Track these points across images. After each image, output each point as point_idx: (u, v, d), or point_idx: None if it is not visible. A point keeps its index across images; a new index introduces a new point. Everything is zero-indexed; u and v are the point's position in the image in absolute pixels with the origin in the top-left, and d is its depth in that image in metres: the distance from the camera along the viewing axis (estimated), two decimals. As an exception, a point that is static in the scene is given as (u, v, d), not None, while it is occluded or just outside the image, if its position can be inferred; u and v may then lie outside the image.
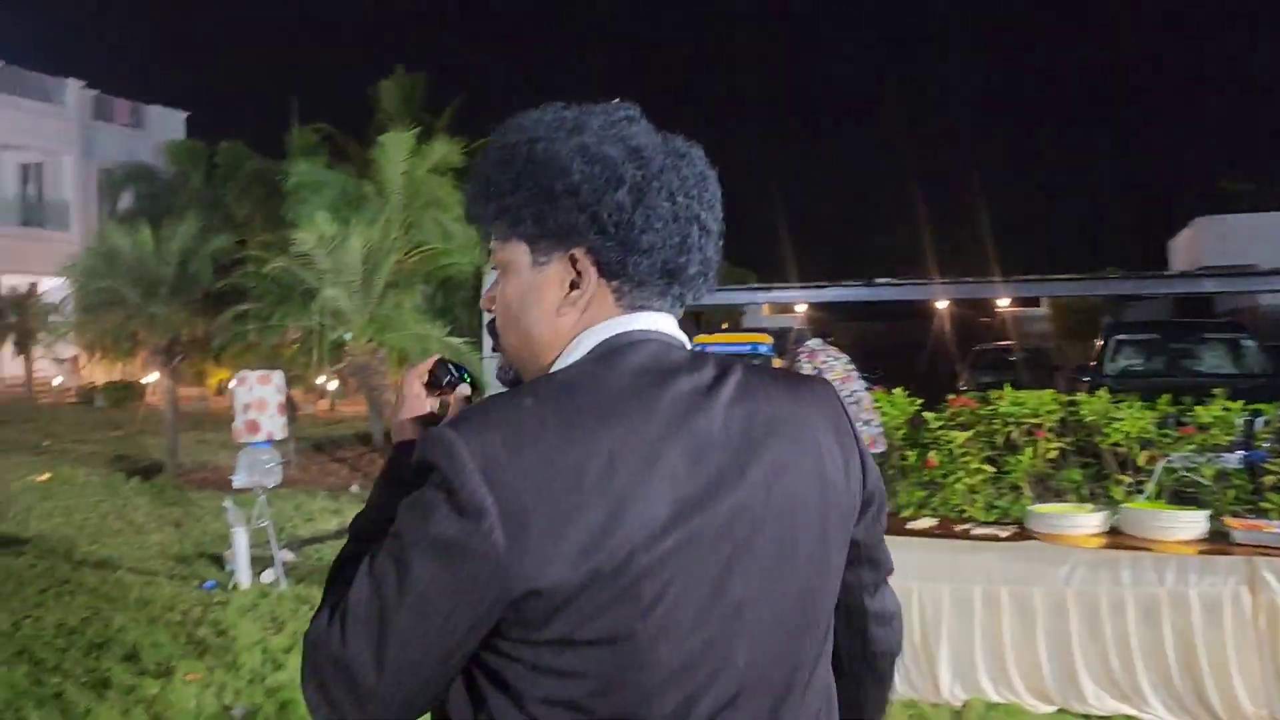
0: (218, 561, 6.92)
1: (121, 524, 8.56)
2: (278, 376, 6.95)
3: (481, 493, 0.93)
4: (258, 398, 6.69)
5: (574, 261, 1.06)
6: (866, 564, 1.19)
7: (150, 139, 28.63)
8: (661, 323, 1.09)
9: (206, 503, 9.22)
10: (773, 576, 1.03)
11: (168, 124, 31.02)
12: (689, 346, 1.10)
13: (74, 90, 29.31)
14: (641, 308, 1.08)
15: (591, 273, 1.06)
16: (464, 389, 1.24)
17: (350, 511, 7.34)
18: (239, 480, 6.71)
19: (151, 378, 19.41)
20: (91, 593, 6.26)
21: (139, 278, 11.42)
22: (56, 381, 24.79)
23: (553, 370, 1.07)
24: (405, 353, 10.73)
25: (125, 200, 24.22)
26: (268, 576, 6.45)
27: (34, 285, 22.98)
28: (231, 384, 6.86)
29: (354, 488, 10.30)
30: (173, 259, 11.73)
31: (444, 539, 0.93)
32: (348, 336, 10.64)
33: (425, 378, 1.23)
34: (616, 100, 1.13)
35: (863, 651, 1.21)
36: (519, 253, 1.09)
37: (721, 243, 1.14)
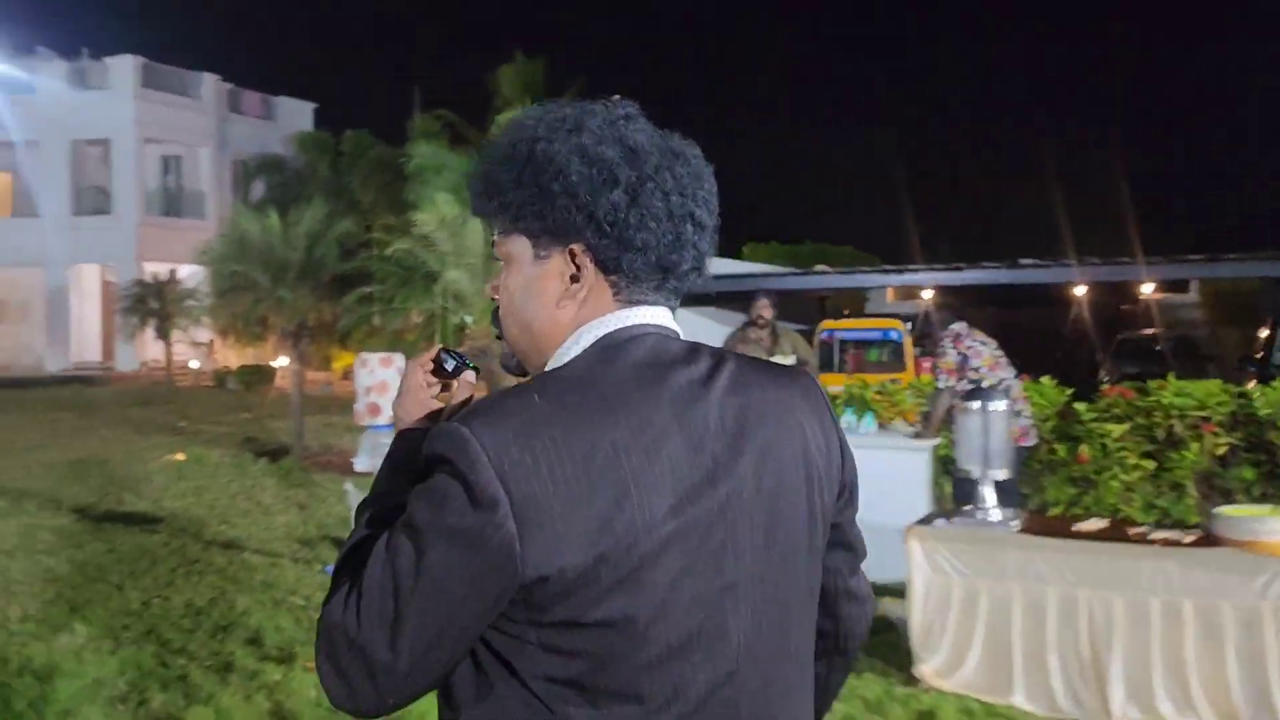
0: (339, 545, 6.90)
1: (249, 505, 8.69)
2: (400, 359, 6.88)
3: (495, 485, 0.97)
4: (379, 380, 6.64)
5: (573, 256, 1.11)
6: (843, 547, 1.24)
7: (280, 130, 29.57)
8: (658, 316, 1.14)
9: (330, 485, 9.29)
10: (763, 558, 1.09)
11: (296, 115, 31.99)
12: (682, 336, 1.15)
13: (210, 84, 30.44)
14: (638, 302, 1.13)
15: (590, 268, 1.11)
16: (469, 375, 1.26)
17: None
18: (360, 463, 6.68)
19: (281, 361, 19.96)
20: (219, 574, 6.30)
21: (268, 262, 11.63)
22: (193, 365, 25.81)
23: (554, 361, 1.12)
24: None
25: (257, 190, 25.06)
26: (389, 561, 6.37)
27: (173, 272, 23.93)
28: (354, 366, 6.82)
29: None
30: (300, 244, 11.91)
31: (459, 529, 0.98)
32: (469, 320, 10.61)
33: (429, 366, 1.26)
34: (617, 97, 1.17)
35: (835, 631, 1.27)
36: (521, 246, 1.14)
37: (716, 237, 1.18)
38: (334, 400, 17.53)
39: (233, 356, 23.53)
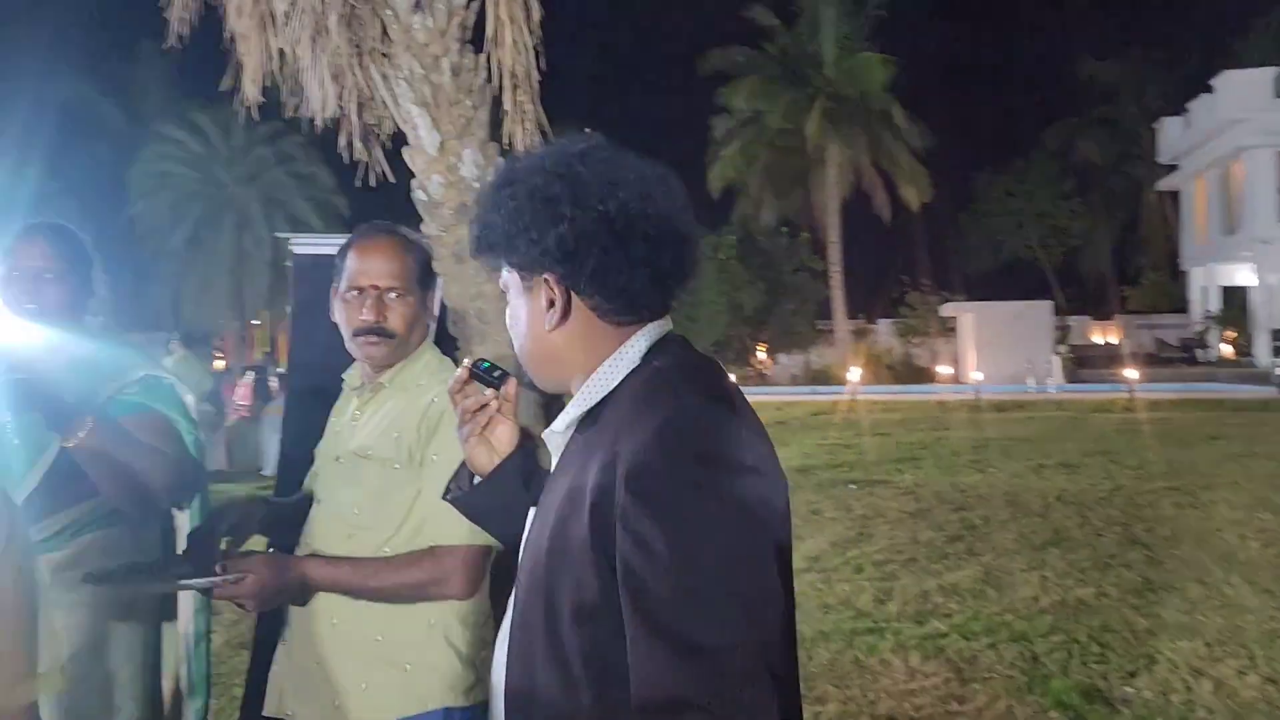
0: None
1: None
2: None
3: None
4: None
5: (547, 284, 1.30)
6: None
7: None
8: (661, 327, 1.33)
9: None
10: None
11: None
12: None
13: None
14: (625, 323, 1.31)
15: (561, 295, 1.30)
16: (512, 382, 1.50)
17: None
18: None
19: None
20: None
21: None
22: None
23: (599, 383, 1.30)
24: None
25: None
26: None
27: None
28: None
29: None
30: None
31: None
32: None
33: (461, 383, 1.50)
34: (587, 131, 1.36)
35: None
36: (512, 279, 1.36)
37: (687, 243, 1.31)
38: None
39: None
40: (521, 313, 1.34)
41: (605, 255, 1.25)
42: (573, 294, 1.29)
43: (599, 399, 1.30)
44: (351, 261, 2.06)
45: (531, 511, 1.43)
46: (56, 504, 2.24)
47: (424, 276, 2.10)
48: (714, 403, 1.21)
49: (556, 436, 1.38)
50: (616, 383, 1.29)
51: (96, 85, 35.30)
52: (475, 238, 1.36)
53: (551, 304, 1.29)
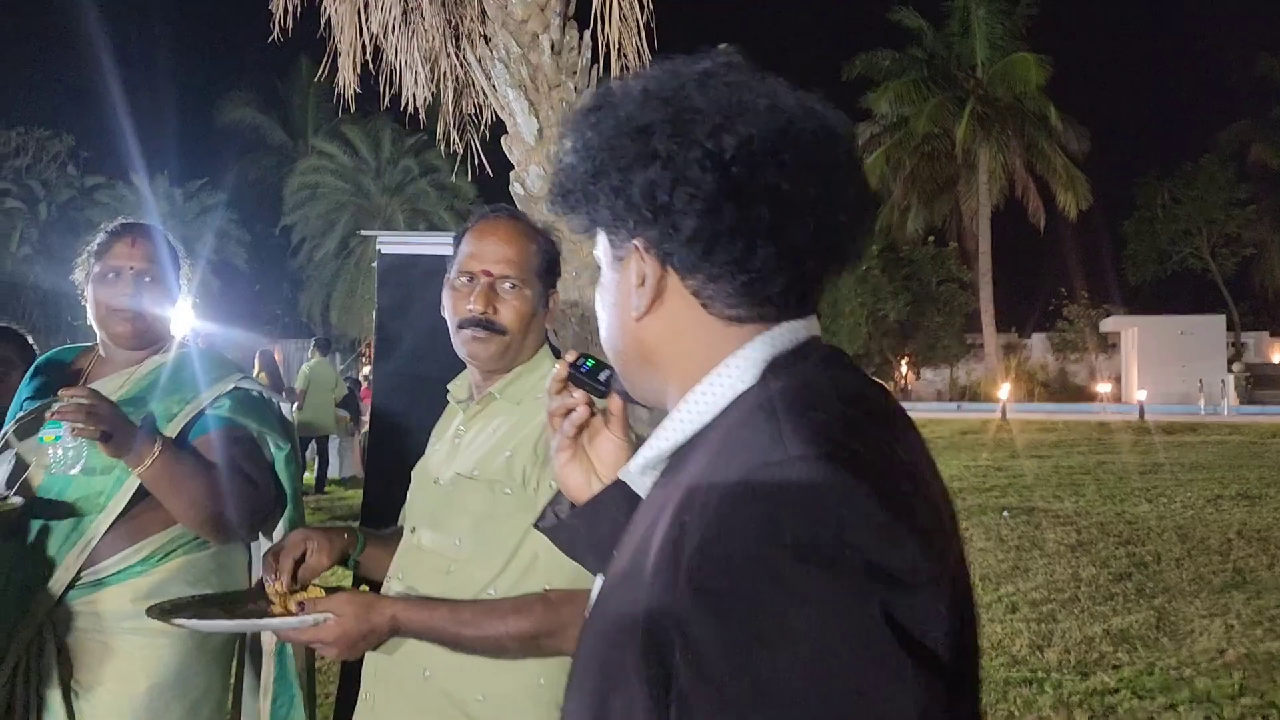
0: None
1: None
2: None
3: None
4: None
5: (638, 253, 0.93)
6: None
7: None
8: (799, 334, 0.93)
9: None
10: None
11: None
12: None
13: None
14: (748, 320, 0.92)
15: (654, 269, 0.92)
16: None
17: None
18: None
19: None
20: None
21: None
22: None
23: (697, 402, 0.92)
24: None
25: None
26: None
27: None
28: None
29: None
30: None
31: None
32: None
33: (560, 384, 1.16)
34: (722, 46, 0.96)
35: None
36: (601, 246, 0.99)
37: (849, 221, 0.92)
38: None
39: None
40: (609, 294, 0.98)
41: (713, 215, 0.86)
42: (669, 270, 0.91)
43: (692, 432, 0.91)
44: (466, 245, 1.79)
45: (598, 581, 1.05)
46: (143, 529, 2.12)
47: (547, 271, 1.81)
48: (840, 460, 0.76)
49: (633, 478, 1.01)
50: (719, 408, 0.90)
51: (260, 103, 37.13)
52: (551, 185, 0.99)
53: (642, 281, 0.92)
